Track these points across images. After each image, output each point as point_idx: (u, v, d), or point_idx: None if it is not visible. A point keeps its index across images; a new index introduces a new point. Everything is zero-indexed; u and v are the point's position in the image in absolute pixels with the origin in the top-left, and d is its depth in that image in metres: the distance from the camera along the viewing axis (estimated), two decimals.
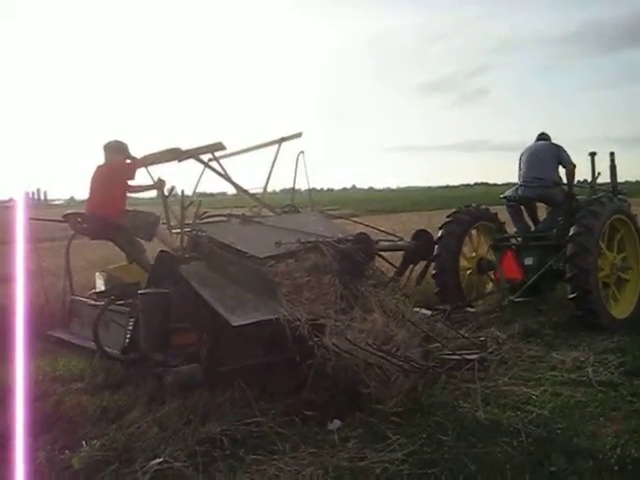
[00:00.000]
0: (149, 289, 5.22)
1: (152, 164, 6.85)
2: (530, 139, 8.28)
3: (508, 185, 8.66)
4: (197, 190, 7.54)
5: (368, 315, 4.84)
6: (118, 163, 6.80)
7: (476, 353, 5.21)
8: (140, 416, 4.35)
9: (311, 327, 4.51)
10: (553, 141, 8.10)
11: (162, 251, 5.61)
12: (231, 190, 7.65)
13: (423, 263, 7.21)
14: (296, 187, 7.49)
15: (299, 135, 7.42)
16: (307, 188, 7.49)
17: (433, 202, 38.68)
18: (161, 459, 3.72)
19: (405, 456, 3.72)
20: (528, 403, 4.50)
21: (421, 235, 7.09)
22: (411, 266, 6.91)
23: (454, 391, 4.77)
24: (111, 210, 6.54)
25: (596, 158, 7.74)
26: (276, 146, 7.42)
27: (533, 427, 4.08)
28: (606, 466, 3.53)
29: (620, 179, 8.29)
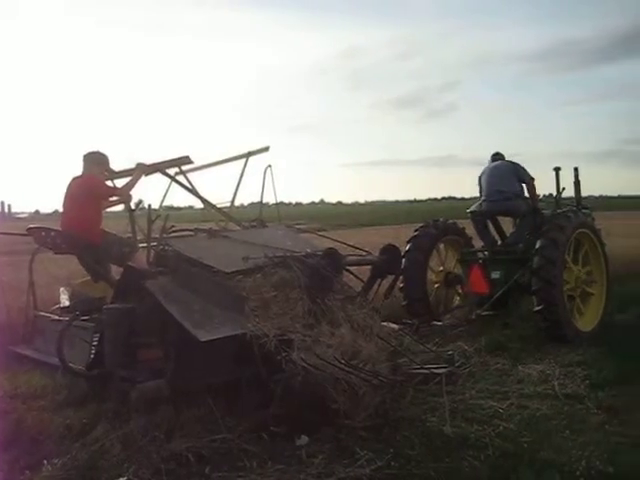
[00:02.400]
0: (115, 304, 5.12)
1: (131, 189, 6.61)
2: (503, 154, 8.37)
3: (474, 199, 8.74)
4: (164, 204, 7.43)
5: (336, 330, 4.80)
6: (96, 183, 6.58)
7: (444, 367, 5.20)
8: (104, 433, 4.25)
9: (279, 342, 4.46)
10: (512, 159, 8.24)
11: (128, 266, 5.52)
12: (198, 204, 7.52)
13: (391, 277, 7.19)
14: (264, 201, 7.40)
15: (266, 149, 7.37)
16: (275, 202, 7.44)
17: (401, 216, 38.85)
18: (125, 477, 3.67)
19: (373, 471, 3.70)
20: (495, 417, 4.51)
21: (389, 250, 6.99)
22: (379, 280, 6.85)
23: (421, 405, 4.77)
24: (86, 227, 6.36)
25: (562, 173, 7.88)
26: (243, 160, 7.35)
27: (500, 441, 4.10)
28: (572, 478, 3.56)
29: (585, 193, 8.50)
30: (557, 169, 7.94)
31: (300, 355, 4.40)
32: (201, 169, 7.42)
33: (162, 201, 7.30)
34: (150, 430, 4.24)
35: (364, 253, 7.00)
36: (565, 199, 8.19)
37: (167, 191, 7.26)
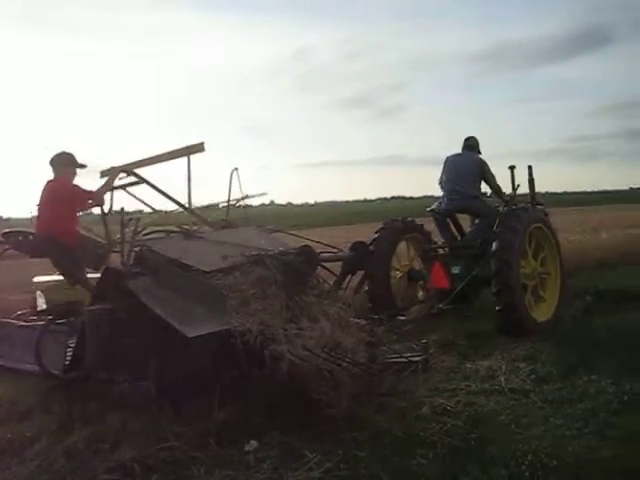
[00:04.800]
0: (95, 306, 5.08)
1: (106, 193, 6.69)
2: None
3: (424, 198, 9.01)
4: (131, 208, 7.34)
5: (314, 324, 4.90)
6: (70, 187, 6.60)
7: (419, 355, 5.42)
8: (47, 447, 4.13)
9: (262, 337, 4.53)
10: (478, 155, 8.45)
11: (107, 267, 5.55)
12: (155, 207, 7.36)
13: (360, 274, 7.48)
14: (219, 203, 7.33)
15: (202, 145, 7.03)
16: (241, 204, 7.36)
17: (352, 217, 39.00)
18: None
19: (322, 474, 3.68)
20: (443, 414, 4.54)
21: (358, 246, 7.50)
22: (349, 276, 7.18)
23: (369, 405, 4.77)
24: (61, 230, 6.37)
25: (516, 171, 8.12)
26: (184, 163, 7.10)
27: (448, 438, 4.11)
28: (518, 473, 3.60)
29: (539, 189, 8.74)
30: (512, 167, 8.18)
31: (287, 348, 4.46)
32: (143, 165, 7.18)
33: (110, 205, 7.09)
34: (94, 442, 4.15)
35: (335, 250, 7.36)
36: (520, 196, 8.38)
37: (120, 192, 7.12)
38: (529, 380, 5.30)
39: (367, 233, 8.66)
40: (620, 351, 5.99)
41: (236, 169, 7.00)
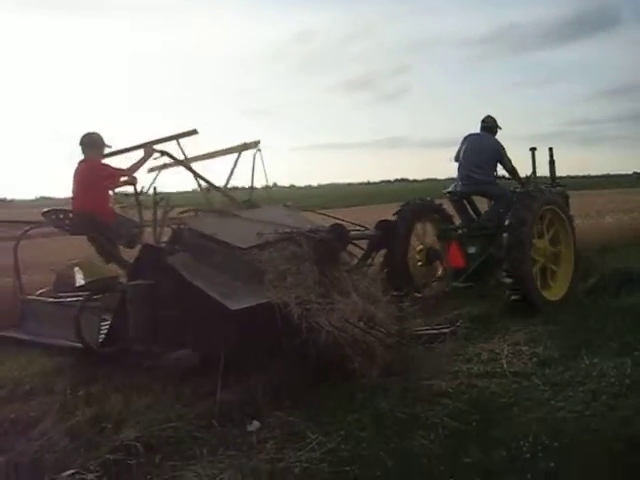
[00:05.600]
0: (136, 281, 5.22)
1: (137, 170, 6.80)
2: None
3: (427, 181, 9.11)
4: (162, 189, 7.13)
5: (346, 298, 5.19)
6: (100, 167, 6.77)
7: (447, 327, 5.96)
8: (51, 426, 4.18)
9: (300, 310, 4.76)
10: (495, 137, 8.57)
11: (147, 244, 5.73)
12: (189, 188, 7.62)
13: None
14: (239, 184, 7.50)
15: (258, 142, 7.16)
16: (265, 185, 7.46)
17: (355, 199, 38.91)
18: (72, 471, 3.58)
19: (323, 454, 3.71)
20: (444, 396, 4.56)
21: (384, 225, 7.92)
22: (374, 253, 7.60)
23: (372, 387, 4.80)
24: (97, 208, 6.58)
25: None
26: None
27: (449, 420, 4.14)
28: (519, 455, 3.61)
29: (542, 173, 8.90)
30: (533, 149, 8.48)
31: (326, 319, 4.79)
32: (196, 160, 7.29)
33: (151, 182, 7.21)
34: (98, 421, 4.19)
35: (362, 228, 7.69)
36: (539, 178, 8.67)
37: (158, 173, 7.41)
38: (531, 363, 5.31)
39: (374, 215, 8.72)
40: (622, 334, 6.00)
41: (259, 150, 7.07)
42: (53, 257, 9.39)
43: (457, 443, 3.83)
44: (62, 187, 6.86)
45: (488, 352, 5.60)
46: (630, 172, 66.56)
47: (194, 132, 6.78)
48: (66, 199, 7.18)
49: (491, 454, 3.64)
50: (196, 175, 6.93)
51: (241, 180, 7.42)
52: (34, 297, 6.54)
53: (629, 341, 5.74)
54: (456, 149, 8.68)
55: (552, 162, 8.94)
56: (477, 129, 8.69)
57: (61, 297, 6.25)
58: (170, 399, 4.43)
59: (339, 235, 5.93)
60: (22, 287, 6.60)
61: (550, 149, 8.91)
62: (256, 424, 4.24)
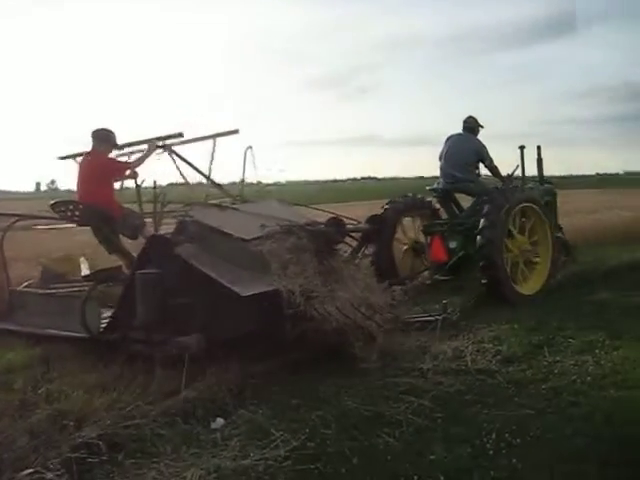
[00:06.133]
0: (144, 270, 5.34)
1: (141, 164, 7.09)
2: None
3: (393, 179, 9.32)
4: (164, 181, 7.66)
5: (344, 286, 5.55)
6: (108, 161, 7.08)
7: (439, 314, 6.36)
8: (9, 424, 4.06)
9: (305, 297, 5.08)
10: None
11: (154, 235, 5.99)
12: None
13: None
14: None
15: (236, 132, 7.33)
16: (257, 181, 7.76)
17: (323, 196, 38.85)
18: (32, 470, 3.50)
19: (288, 452, 3.68)
20: (409, 393, 4.58)
21: (374, 219, 8.52)
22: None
23: (337, 384, 4.82)
24: (104, 200, 6.80)
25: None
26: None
27: (414, 417, 4.16)
28: (483, 451, 3.65)
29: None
30: (522, 147, 8.71)
31: (332, 306, 5.16)
32: (178, 144, 7.42)
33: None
34: (59, 419, 4.10)
35: (356, 222, 8.29)
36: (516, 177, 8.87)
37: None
38: (495, 361, 5.35)
39: (344, 213, 8.82)
40: (584, 332, 6.11)
41: (250, 147, 7.28)
42: (32, 251, 9.42)
43: (422, 440, 3.86)
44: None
45: (453, 350, 5.63)
46: (593, 173, 67.79)
47: (181, 135, 7.07)
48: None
49: (455, 451, 3.67)
50: (197, 171, 7.19)
51: (232, 175, 7.78)
52: (23, 289, 6.72)
53: (590, 339, 5.84)
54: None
55: (540, 160, 9.29)
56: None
57: (53, 289, 6.52)
58: (133, 396, 4.36)
59: (337, 228, 6.33)
60: (9, 279, 6.68)
61: (538, 147, 9.30)
62: (220, 421, 4.22)
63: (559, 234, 9.10)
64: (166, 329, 5.14)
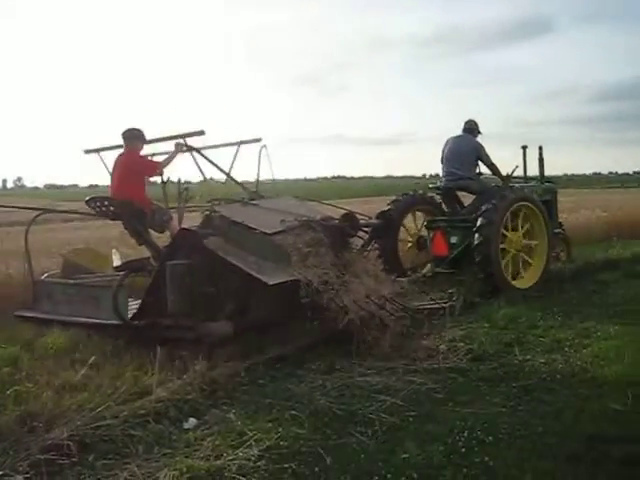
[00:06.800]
0: (174, 261, 5.73)
1: (169, 164, 7.43)
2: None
3: (365, 178, 9.46)
4: (185, 178, 8.05)
5: (358, 278, 5.93)
6: (141, 160, 7.53)
7: (446, 302, 6.82)
8: None
9: (323, 287, 5.50)
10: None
11: (183, 228, 6.35)
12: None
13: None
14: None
15: (259, 140, 7.62)
16: (271, 179, 8.07)
17: (298, 194, 38.79)
18: (0, 472, 3.45)
19: (262, 451, 3.67)
20: (382, 392, 4.60)
21: (384, 215, 9.00)
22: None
23: (310, 384, 4.84)
24: (136, 196, 7.17)
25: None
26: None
27: (386, 415, 4.18)
28: (455, 449, 3.67)
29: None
30: (524, 147, 9.47)
31: (348, 297, 5.56)
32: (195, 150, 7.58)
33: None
34: (28, 420, 4.05)
35: (367, 218, 8.69)
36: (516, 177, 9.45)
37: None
38: (466, 359, 5.41)
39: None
40: (554, 330, 6.21)
41: (264, 146, 7.55)
42: (43, 245, 9.84)
43: (394, 439, 3.87)
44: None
45: (424, 349, 5.67)
46: (561, 174, 68.75)
47: (202, 133, 7.28)
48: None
49: (427, 449, 3.69)
50: (219, 169, 7.44)
51: (246, 174, 8.26)
52: (49, 279, 7.04)
53: (560, 338, 5.92)
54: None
55: (541, 160, 9.82)
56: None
57: (79, 279, 6.94)
58: (104, 397, 4.32)
59: (352, 223, 6.73)
60: (32, 270, 6.97)
61: (540, 148, 9.84)
62: (193, 421, 4.19)
63: (559, 230, 9.64)
64: (194, 316, 5.52)
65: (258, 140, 7.61)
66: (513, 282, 8.16)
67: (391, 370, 5.14)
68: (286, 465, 3.54)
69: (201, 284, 5.65)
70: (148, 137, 7.63)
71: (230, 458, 3.60)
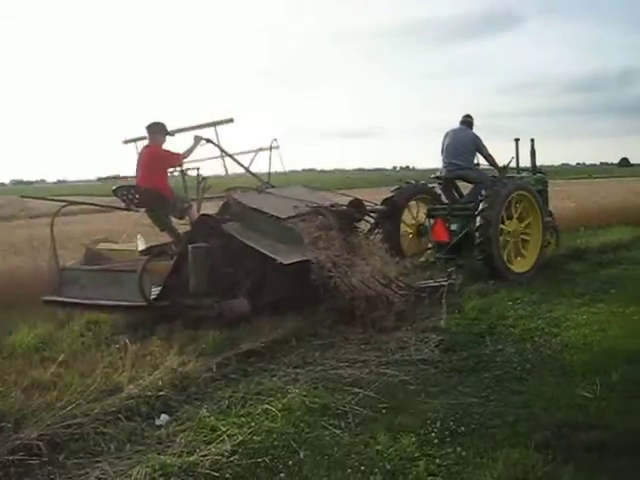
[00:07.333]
0: (197, 244, 6.21)
1: (189, 155, 7.82)
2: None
3: (335, 171, 9.64)
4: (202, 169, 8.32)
5: (365, 260, 6.41)
6: (164, 152, 7.81)
7: (445, 281, 7.20)
8: None
9: (334, 268, 5.94)
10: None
11: (203, 214, 6.90)
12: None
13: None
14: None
15: (231, 120, 7.73)
16: (282, 170, 8.57)
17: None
18: None
19: (234, 447, 3.66)
20: (354, 385, 4.60)
21: (389, 201, 9.56)
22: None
23: (282, 377, 4.82)
24: (160, 185, 7.59)
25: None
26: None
27: (359, 408, 4.19)
28: (427, 440, 3.70)
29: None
30: (517, 140, 9.94)
31: (356, 277, 6.00)
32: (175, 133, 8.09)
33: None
34: None
35: (373, 204, 9.24)
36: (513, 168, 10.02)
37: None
38: (438, 350, 5.43)
39: None
40: (524, 320, 6.28)
41: (275, 140, 8.15)
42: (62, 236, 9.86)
43: (367, 431, 3.88)
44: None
45: (396, 340, 5.69)
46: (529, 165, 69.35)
47: (231, 120, 7.63)
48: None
49: (401, 440, 3.70)
50: (236, 161, 7.98)
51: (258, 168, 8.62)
52: (74, 267, 7.37)
53: (530, 327, 5.99)
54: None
55: (533, 152, 10.26)
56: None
57: (101, 266, 7.30)
58: (74, 395, 4.26)
59: (359, 208, 7.33)
60: (57, 258, 7.25)
61: (532, 140, 10.31)
62: (165, 418, 4.16)
63: (549, 219, 9.87)
64: (214, 295, 6.02)
65: (276, 147, 8.17)
66: (510, 266, 8.50)
67: (363, 362, 5.14)
68: (259, 460, 3.53)
69: (220, 265, 6.16)
70: (170, 127, 7.97)
71: (203, 454, 3.58)
